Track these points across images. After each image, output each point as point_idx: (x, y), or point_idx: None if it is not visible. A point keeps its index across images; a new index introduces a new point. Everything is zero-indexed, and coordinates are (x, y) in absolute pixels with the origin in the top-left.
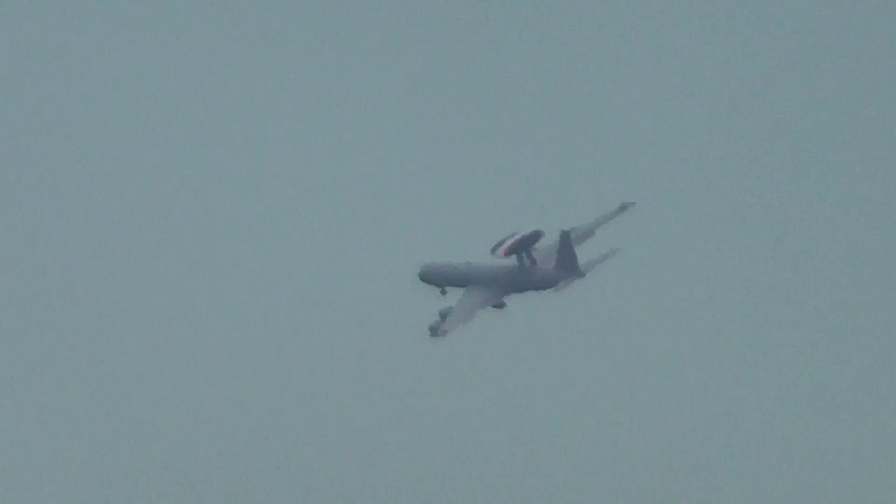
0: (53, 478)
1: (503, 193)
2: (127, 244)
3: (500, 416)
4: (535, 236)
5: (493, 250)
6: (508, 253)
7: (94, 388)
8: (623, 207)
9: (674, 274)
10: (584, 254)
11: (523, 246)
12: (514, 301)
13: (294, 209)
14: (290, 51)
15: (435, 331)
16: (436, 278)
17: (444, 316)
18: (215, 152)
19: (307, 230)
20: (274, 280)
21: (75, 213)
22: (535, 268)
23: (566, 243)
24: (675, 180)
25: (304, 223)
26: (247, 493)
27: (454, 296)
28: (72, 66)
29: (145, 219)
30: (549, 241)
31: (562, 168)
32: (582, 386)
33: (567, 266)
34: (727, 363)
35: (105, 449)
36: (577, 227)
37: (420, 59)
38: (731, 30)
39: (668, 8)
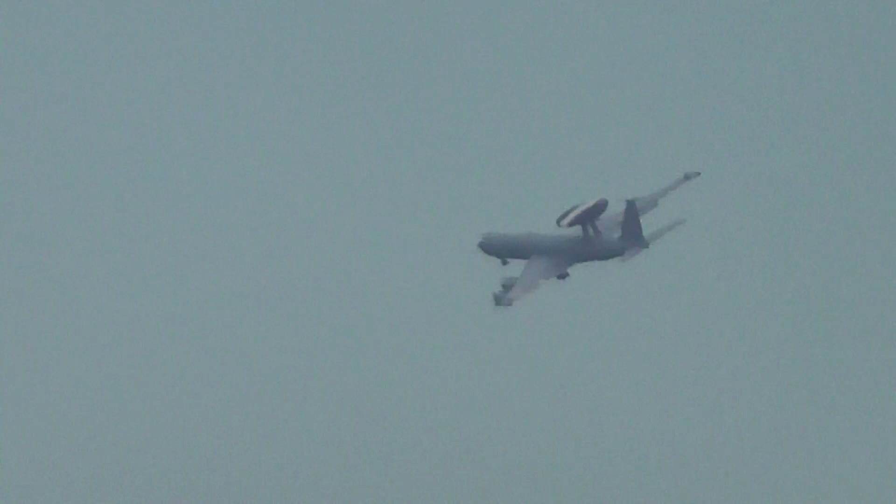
0: (53, 478)
1: (564, 165)
2: (143, 242)
3: (566, 386)
4: (600, 207)
5: (559, 221)
6: (573, 223)
7: (109, 387)
8: (687, 177)
9: (737, 245)
10: (648, 224)
11: (588, 216)
12: (577, 271)
13: (356, 180)
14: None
15: (500, 300)
16: (496, 248)
17: (507, 286)
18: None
19: (369, 202)
20: (337, 250)
21: (75, 213)
22: (599, 238)
23: (632, 213)
24: (739, 150)
25: (366, 195)
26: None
27: (514, 266)
28: (72, 66)
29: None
30: (612, 211)
31: (624, 138)
32: (648, 357)
33: (632, 236)
34: (790, 337)
35: (120, 448)
36: (640, 198)
37: (483, 36)
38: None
39: None
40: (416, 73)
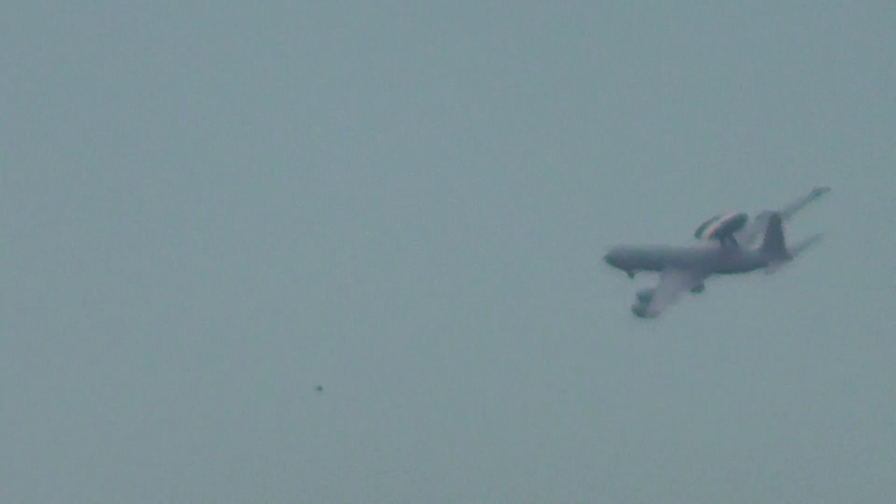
0: (53, 478)
1: (687, 180)
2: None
3: (712, 398)
4: (740, 220)
5: (698, 233)
6: (714, 236)
7: (114, 387)
8: (817, 193)
9: (879, 260)
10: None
11: (728, 229)
12: (714, 283)
13: (483, 189)
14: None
15: (644, 312)
16: (626, 261)
17: (643, 298)
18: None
19: (494, 212)
20: (465, 265)
21: (73, 214)
22: (739, 250)
23: (775, 226)
24: (869, 166)
25: (488, 205)
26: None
27: (640, 280)
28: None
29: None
30: (748, 224)
31: (749, 154)
32: (792, 368)
33: (774, 248)
34: None
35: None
36: (767, 213)
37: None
38: None
39: None
40: (551, 77)
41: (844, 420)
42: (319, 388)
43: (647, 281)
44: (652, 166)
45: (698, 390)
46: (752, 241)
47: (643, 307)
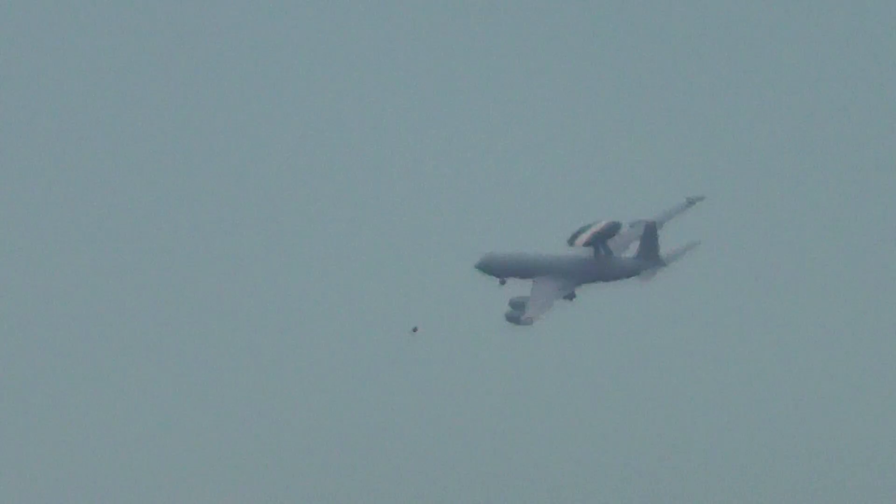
0: (53, 478)
1: (559, 187)
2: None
3: (588, 404)
4: (613, 228)
5: (571, 241)
6: (587, 243)
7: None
8: (690, 202)
9: (754, 266)
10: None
11: (602, 237)
12: (586, 290)
13: (356, 199)
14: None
15: (518, 319)
16: (498, 268)
17: (516, 305)
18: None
19: (361, 219)
20: (334, 274)
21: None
22: (612, 258)
23: (651, 234)
24: (742, 173)
25: (367, 214)
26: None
27: (513, 286)
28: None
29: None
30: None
31: (624, 162)
32: (669, 375)
33: (649, 256)
34: (806, 355)
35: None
36: (640, 221)
37: (502, 52)
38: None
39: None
40: (413, 83)
41: (717, 424)
42: (415, 329)
43: (518, 289)
44: (524, 173)
45: (575, 396)
46: (625, 249)
47: (517, 314)
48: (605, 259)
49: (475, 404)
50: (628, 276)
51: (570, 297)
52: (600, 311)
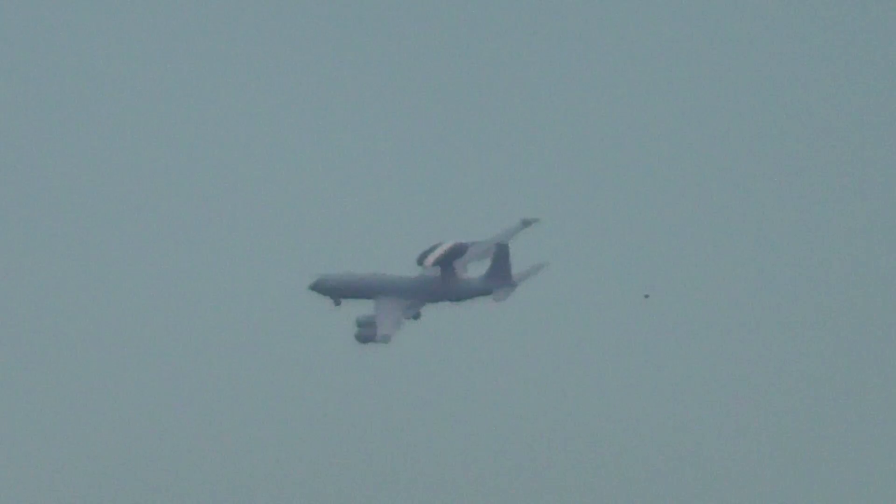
0: (52, 478)
1: (395, 207)
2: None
3: (451, 419)
4: (460, 249)
5: (420, 261)
6: (435, 263)
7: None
8: (526, 223)
9: (597, 285)
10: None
11: (449, 257)
12: (431, 310)
13: (191, 216)
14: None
15: (372, 337)
16: (333, 289)
17: (363, 324)
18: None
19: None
20: (170, 297)
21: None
22: (457, 278)
23: (502, 255)
24: (572, 194)
25: (200, 231)
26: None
27: (349, 307)
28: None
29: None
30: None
31: (457, 183)
32: (525, 386)
33: (500, 276)
34: (657, 374)
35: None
36: (480, 242)
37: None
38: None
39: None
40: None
41: (570, 440)
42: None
43: (359, 308)
44: (353, 192)
45: (433, 413)
46: (465, 271)
47: (370, 332)
48: (450, 279)
49: (337, 425)
50: (475, 296)
51: (416, 316)
52: (448, 330)
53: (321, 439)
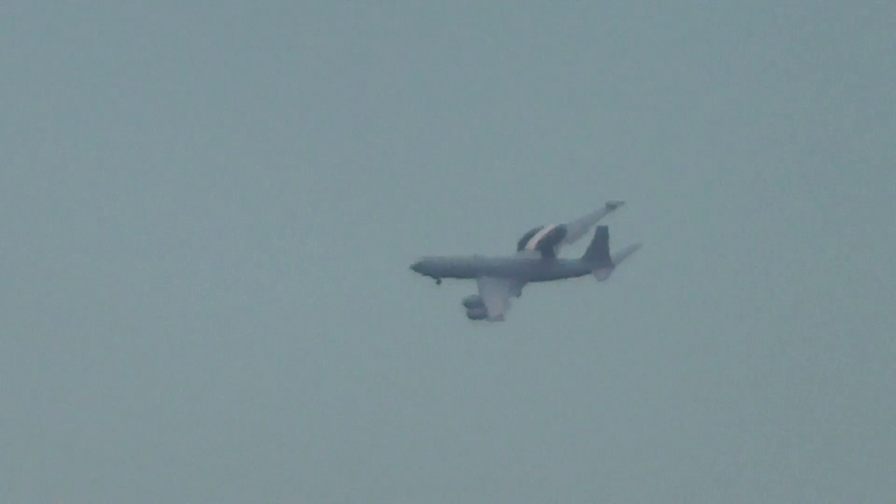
0: (52, 478)
1: (481, 194)
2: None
3: (579, 398)
4: (561, 231)
5: (522, 245)
6: (538, 248)
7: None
8: (611, 207)
9: (693, 269)
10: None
11: (550, 241)
12: (533, 290)
13: (283, 199)
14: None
15: (486, 315)
16: (435, 269)
17: (471, 304)
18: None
19: (298, 223)
20: (276, 281)
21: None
22: (557, 260)
23: (601, 237)
24: (662, 179)
25: (289, 215)
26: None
27: (449, 285)
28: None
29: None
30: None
31: (541, 168)
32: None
33: (599, 257)
34: (754, 357)
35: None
36: (570, 224)
37: (424, 61)
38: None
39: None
40: (351, 84)
41: (672, 422)
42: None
43: (463, 289)
44: (455, 178)
45: (551, 388)
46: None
47: (480, 311)
48: (551, 261)
49: (461, 403)
50: (573, 277)
51: (517, 295)
52: (548, 309)
53: (446, 415)
